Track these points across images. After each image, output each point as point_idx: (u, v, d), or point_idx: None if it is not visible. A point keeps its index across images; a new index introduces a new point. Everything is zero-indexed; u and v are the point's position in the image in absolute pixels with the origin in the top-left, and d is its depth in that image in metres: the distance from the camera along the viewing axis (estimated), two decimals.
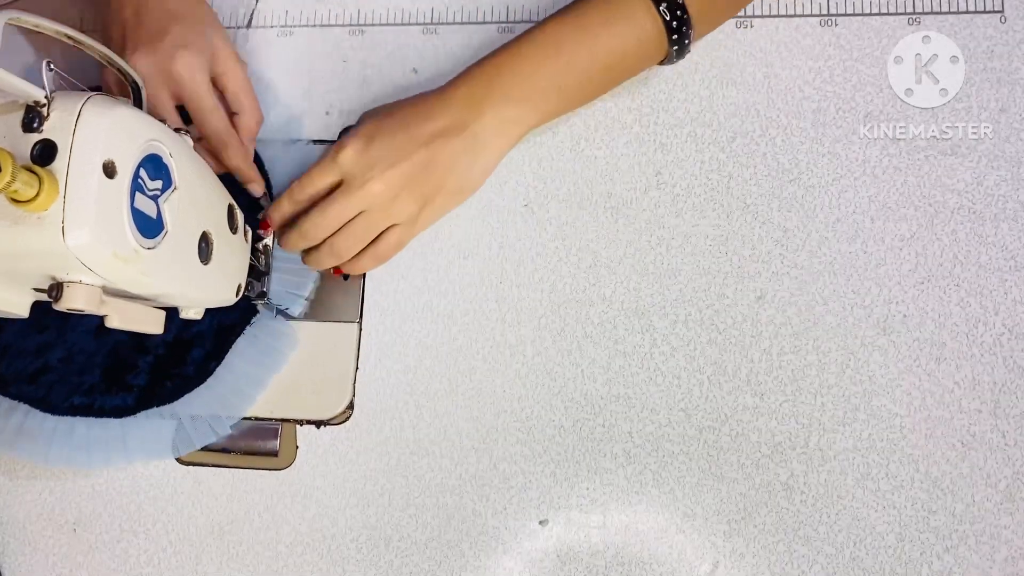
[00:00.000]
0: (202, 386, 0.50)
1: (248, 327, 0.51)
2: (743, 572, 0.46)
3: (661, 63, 0.50)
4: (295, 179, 0.50)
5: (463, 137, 0.47)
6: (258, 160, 0.54)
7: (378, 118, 0.49)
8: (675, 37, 0.47)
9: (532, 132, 0.53)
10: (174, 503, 0.51)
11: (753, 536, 0.46)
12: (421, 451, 0.50)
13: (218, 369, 0.50)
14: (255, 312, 0.51)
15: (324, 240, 0.49)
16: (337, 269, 0.51)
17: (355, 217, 0.48)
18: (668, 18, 0.46)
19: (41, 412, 0.50)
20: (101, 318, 0.50)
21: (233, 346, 0.51)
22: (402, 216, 0.48)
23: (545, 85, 0.47)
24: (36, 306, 0.51)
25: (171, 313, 0.50)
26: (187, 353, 0.50)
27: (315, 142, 0.55)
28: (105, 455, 0.49)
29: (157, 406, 0.50)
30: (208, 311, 0.48)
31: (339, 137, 0.55)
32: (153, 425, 0.50)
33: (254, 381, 0.51)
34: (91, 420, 0.50)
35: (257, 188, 0.52)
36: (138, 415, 0.50)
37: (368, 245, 0.49)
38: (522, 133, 0.49)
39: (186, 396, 0.50)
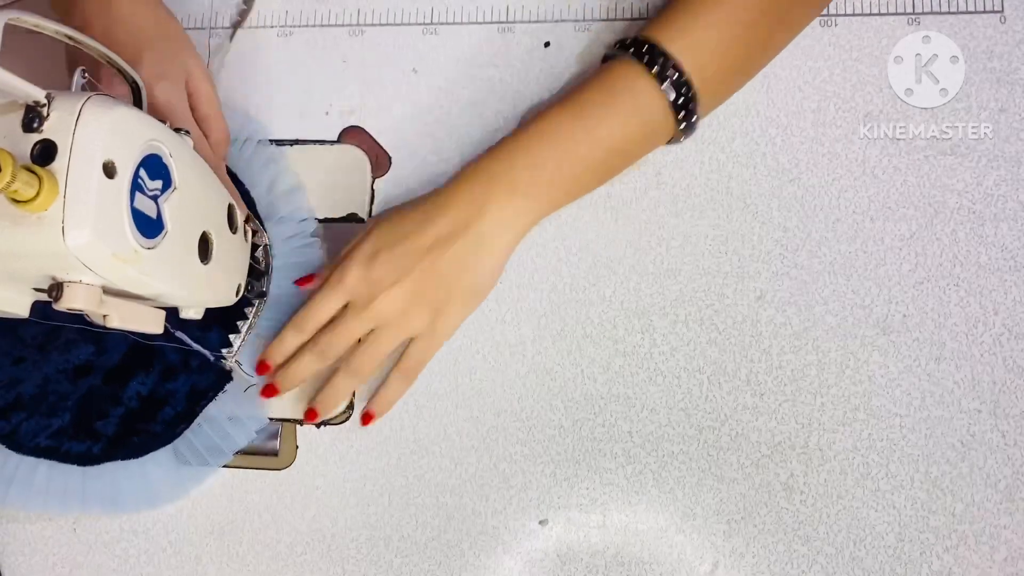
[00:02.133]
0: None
1: (222, 394, 0.50)
2: (743, 572, 0.46)
3: (669, 142, 0.49)
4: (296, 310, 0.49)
5: (467, 239, 0.46)
6: (232, 176, 0.53)
7: (380, 232, 0.48)
8: (682, 115, 0.46)
9: None
10: (174, 503, 0.51)
11: (753, 536, 0.46)
12: (421, 451, 0.50)
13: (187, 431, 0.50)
14: (229, 378, 0.50)
15: (339, 370, 0.48)
16: (367, 418, 0.49)
17: (368, 334, 0.47)
18: (673, 96, 0.45)
19: (5, 448, 0.49)
20: (81, 357, 0.50)
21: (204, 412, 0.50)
22: (417, 328, 0.47)
23: (549, 177, 0.46)
24: (14, 336, 0.51)
25: (149, 359, 0.50)
26: (159, 410, 0.50)
27: (317, 142, 0.55)
28: (62, 503, 0.49)
29: (121, 459, 0.49)
30: (183, 372, 0.48)
31: (338, 138, 0.55)
32: (114, 478, 0.49)
33: (215, 451, 0.50)
34: (54, 463, 0.49)
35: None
36: (102, 466, 0.49)
37: (393, 367, 0.49)
38: (529, 225, 0.47)
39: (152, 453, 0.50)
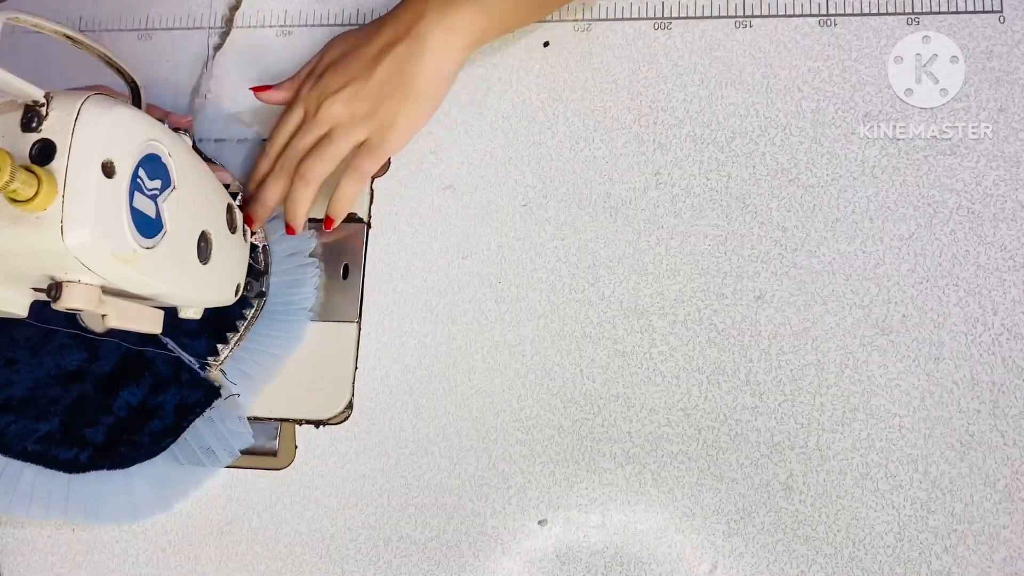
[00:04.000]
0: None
1: (210, 410, 0.50)
2: (742, 572, 0.46)
3: None
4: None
5: (407, 42, 0.47)
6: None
7: (332, 48, 0.51)
8: None
9: (530, 131, 0.53)
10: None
11: (752, 536, 0.46)
12: (420, 451, 0.50)
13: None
14: (218, 395, 0.50)
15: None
16: (328, 222, 0.50)
17: (319, 141, 0.49)
18: None
19: None
20: (73, 363, 0.50)
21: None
22: (364, 132, 0.49)
23: None
24: (8, 337, 0.51)
25: (141, 369, 0.50)
26: (147, 422, 0.50)
27: None
28: (45, 508, 0.48)
29: (107, 469, 0.49)
30: (174, 384, 0.48)
31: None
32: (99, 488, 0.49)
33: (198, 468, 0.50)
34: (40, 468, 0.49)
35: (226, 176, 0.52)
36: (87, 475, 0.49)
37: (345, 169, 0.49)
38: (470, 39, 0.48)
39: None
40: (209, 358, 0.50)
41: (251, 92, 0.52)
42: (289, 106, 0.51)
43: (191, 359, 0.49)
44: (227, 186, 0.49)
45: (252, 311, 0.51)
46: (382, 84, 0.48)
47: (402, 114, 0.48)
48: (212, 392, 0.50)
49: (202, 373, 0.50)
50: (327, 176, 0.49)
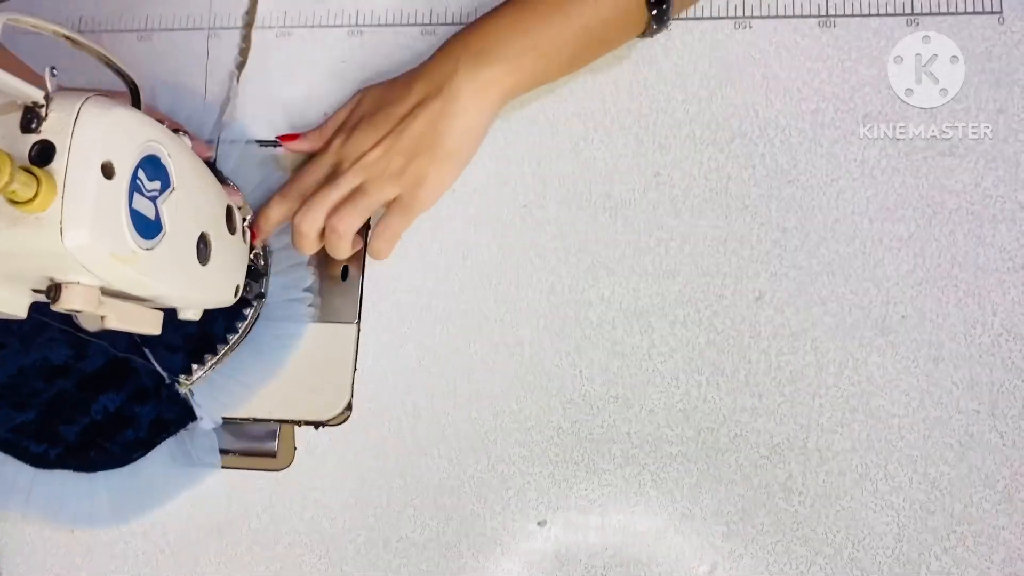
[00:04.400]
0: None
1: (183, 431, 0.50)
2: (742, 573, 0.46)
3: (642, 35, 0.50)
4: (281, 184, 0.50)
5: (439, 100, 0.47)
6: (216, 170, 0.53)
7: (364, 102, 0.51)
8: (655, 12, 0.48)
9: (530, 131, 0.53)
10: (172, 503, 0.51)
11: (752, 537, 0.46)
12: (419, 452, 0.50)
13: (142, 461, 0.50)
14: (194, 417, 0.50)
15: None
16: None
17: (349, 195, 0.49)
18: None
19: None
20: (60, 358, 0.50)
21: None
22: (395, 189, 0.48)
23: (520, 45, 0.47)
24: (2, 324, 0.51)
25: (125, 376, 0.50)
26: (121, 431, 0.50)
27: None
28: (4, 499, 0.49)
29: (74, 470, 0.49)
30: (153, 398, 0.48)
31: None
32: (63, 488, 0.49)
33: (169, 485, 0.50)
34: (8, 458, 0.49)
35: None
36: (52, 472, 0.49)
37: (376, 228, 0.50)
38: (501, 94, 0.48)
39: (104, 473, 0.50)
40: (181, 376, 0.49)
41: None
42: (317, 155, 0.51)
43: (164, 372, 0.49)
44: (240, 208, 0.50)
45: (236, 336, 0.50)
46: (414, 141, 0.48)
47: (433, 172, 0.48)
48: (189, 413, 0.50)
49: (179, 391, 0.49)
50: (358, 228, 0.49)
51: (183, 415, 0.50)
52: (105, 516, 0.50)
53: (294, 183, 0.50)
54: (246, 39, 0.57)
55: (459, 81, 0.47)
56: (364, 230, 0.52)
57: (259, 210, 0.51)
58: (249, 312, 0.51)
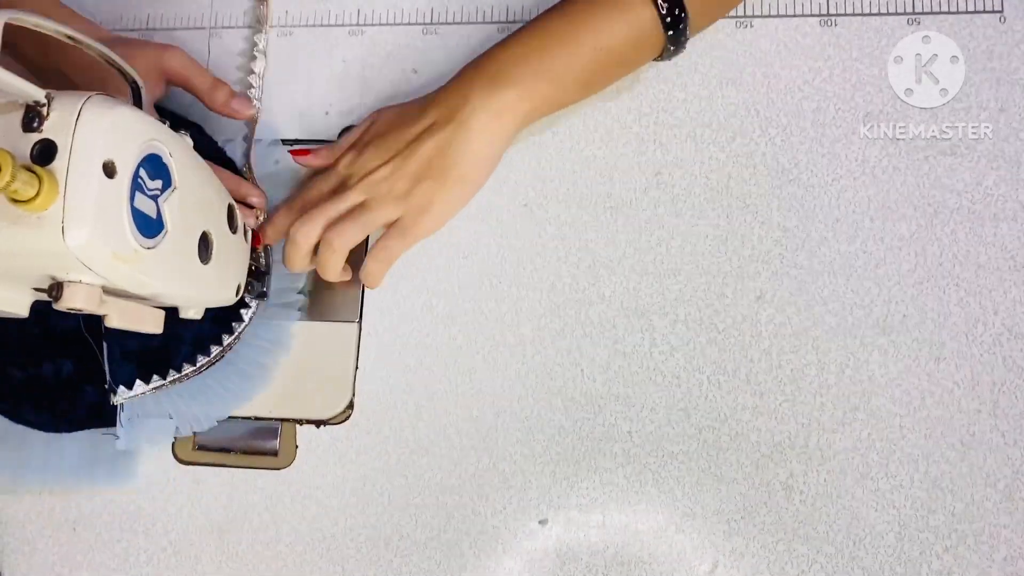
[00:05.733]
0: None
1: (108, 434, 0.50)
2: (743, 571, 0.46)
3: (658, 58, 0.50)
4: (293, 189, 0.51)
5: (452, 126, 0.47)
6: (233, 167, 0.53)
7: (376, 123, 0.51)
8: (671, 33, 0.47)
9: (530, 131, 0.53)
10: (173, 502, 0.51)
11: (753, 535, 0.46)
12: (421, 451, 0.50)
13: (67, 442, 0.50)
14: (112, 423, 0.50)
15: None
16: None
17: (351, 210, 0.48)
18: (664, 11, 0.46)
19: None
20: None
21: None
22: (398, 211, 0.48)
23: (534, 71, 0.47)
24: None
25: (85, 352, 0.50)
26: (59, 401, 0.50)
27: (316, 142, 0.55)
28: None
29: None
30: (98, 385, 0.48)
31: (339, 136, 0.55)
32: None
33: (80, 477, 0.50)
34: None
35: (248, 109, 0.53)
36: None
37: (372, 248, 0.49)
38: (516, 122, 0.48)
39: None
40: (120, 386, 0.49)
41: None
42: (324, 170, 0.51)
43: (108, 374, 0.49)
44: (251, 206, 0.50)
45: (193, 368, 0.50)
46: (422, 165, 0.47)
47: (438, 198, 0.48)
48: (110, 421, 0.50)
49: (112, 399, 0.49)
50: (354, 245, 0.48)
51: (110, 418, 0.50)
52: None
53: (300, 195, 0.51)
54: (259, 32, 0.57)
55: (472, 107, 0.47)
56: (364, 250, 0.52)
57: (265, 220, 0.51)
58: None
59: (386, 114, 0.51)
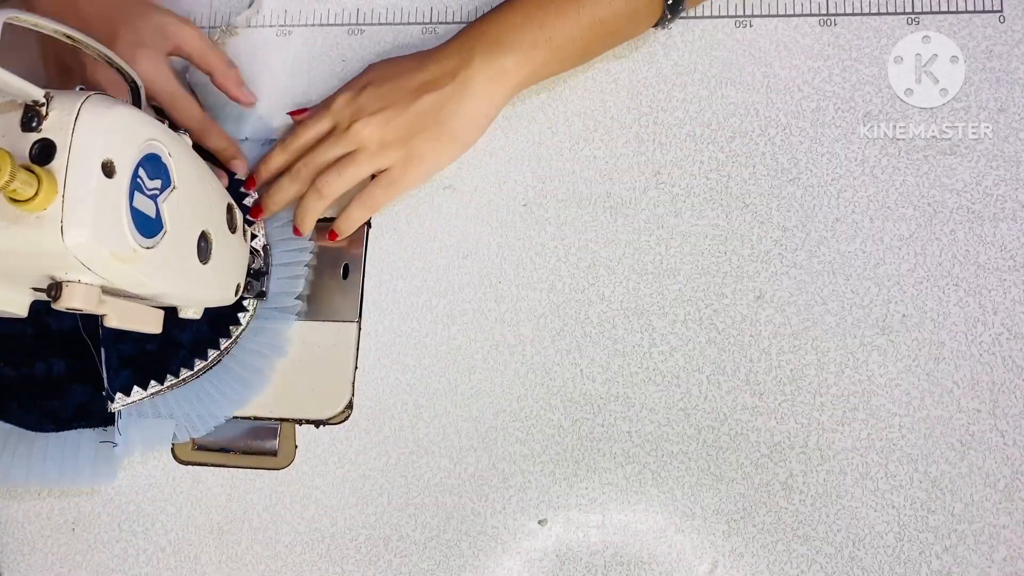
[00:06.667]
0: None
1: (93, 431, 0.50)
2: (742, 571, 0.46)
3: (655, 26, 0.50)
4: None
5: (452, 85, 0.48)
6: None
7: (374, 71, 0.51)
8: (669, 2, 0.48)
9: (530, 131, 0.53)
10: (173, 502, 0.51)
11: (752, 535, 0.46)
12: (420, 451, 0.50)
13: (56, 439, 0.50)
14: (111, 423, 0.49)
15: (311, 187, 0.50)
16: (332, 234, 0.51)
17: (342, 158, 0.49)
18: None
19: None
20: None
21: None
22: (388, 160, 0.49)
23: (534, 36, 0.48)
24: None
25: (79, 352, 0.49)
26: (49, 399, 0.49)
27: None
28: None
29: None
30: (92, 385, 0.47)
31: None
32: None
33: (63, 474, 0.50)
34: None
35: (240, 166, 0.52)
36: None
37: (358, 195, 0.50)
38: (513, 84, 0.49)
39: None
40: (118, 393, 0.49)
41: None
42: (318, 112, 0.51)
43: (105, 379, 0.49)
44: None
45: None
46: (418, 118, 0.48)
47: (430, 151, 0.49)
48: (110, 417, 0.49)
49: (109, 406, 0.49)
50: (342, 193, 0.50)
51: (105, 419, 0.50)
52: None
53: (293, 136, 0.51)
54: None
55: (475, 68, 0.48)
56: (364, 229, 0.53)
57: (262, 158, 0.52)
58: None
59: (382, 65, 0.52)
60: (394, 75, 0.50)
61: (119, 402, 0.49)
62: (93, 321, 0.49)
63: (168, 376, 0.49)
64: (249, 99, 0.54)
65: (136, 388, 0.49)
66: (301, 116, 0.52)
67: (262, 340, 0.51)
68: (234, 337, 0.50)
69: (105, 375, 0.49)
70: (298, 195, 0.50)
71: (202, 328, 0.49)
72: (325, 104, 0.51)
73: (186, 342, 0.50)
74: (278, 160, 0.51)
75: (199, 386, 0.50)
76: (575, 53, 0.49)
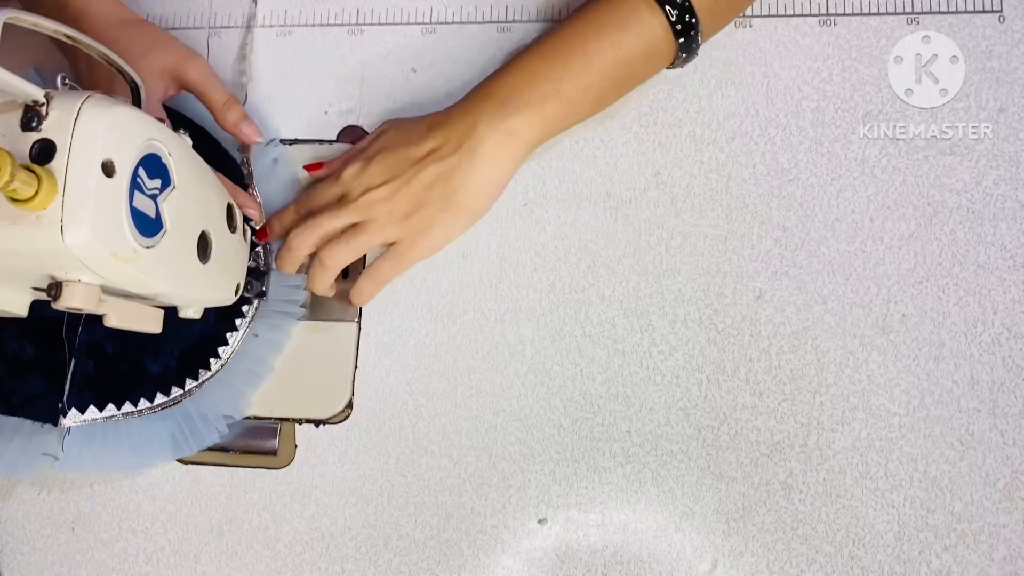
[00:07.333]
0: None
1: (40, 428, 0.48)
2: (742, 571, 0.46)
3: (670, 67, 0.49)
4: (300, 192, 0.51)
5: (457, 154, 0.47)
6: (236, 170, 0.53)
7: (384, 137, 0.50)
8: (683, 40, 0.46)
9: None
10: (173, 502, 0.51)
11: (752, 535, 0.46)
12: (420, 450, 0.50)
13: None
14: (55, 422, 0.48)
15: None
16: (349, 302, 0.51)
17: (351, 227, 0.48)
18: (674, 19, 0.45)
19: None
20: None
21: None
22: (397, 233, 0.48)
23: (542, 91, 0.46)
24: None
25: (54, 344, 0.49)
26: (18, 380, 0.48)
27: (316, 141, 0.55)
28: None
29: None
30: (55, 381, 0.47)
31: (337, 137, 0.55)
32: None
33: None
34: None
35: (255, 135, 0.51)
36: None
37: (367, 269, 0.50)
38: (525, 145, 0.48)
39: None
40: (73, 410, 0.47)
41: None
42: (329, 178, 0.50)
43: (64, 397, 0.47)
44: (247, 220, 0.50)
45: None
46: (425, 189, 0.47)
47: (438, 223, 0.48)
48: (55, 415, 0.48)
49: (61, 420, 0.47)
50: (348, 264, 0.49)
51: (50, 416, 0.48)
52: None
53: (305, 198, 0.51)
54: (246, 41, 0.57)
55: (480, 134, 0.46)
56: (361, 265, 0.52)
57: (276, 214, 0.51)
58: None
59: (396, 127, 0.51)
60: (401, 143, 0.49)
61: (72, 419, 0.47)
62: (74, 329, 0.49)
63: (127, 403, 0.48)
64: (255, 136, 0.52)
65: (92, 407, 0.47)
66: (317, 172, 0.52)
67: (252, 359, 0.51)
68: (200, 382, 0.49)
69: (68, 386, 0.47)
70: (307, 254, 0.49)
71: (171, 363, 0.49)
72: (336, 172, 0.50)
73: (153, 374, 0.49)
74: (289, 218, 0.51)
75: (182, 411, 0.49)
76: (589, 102, 0.48)
